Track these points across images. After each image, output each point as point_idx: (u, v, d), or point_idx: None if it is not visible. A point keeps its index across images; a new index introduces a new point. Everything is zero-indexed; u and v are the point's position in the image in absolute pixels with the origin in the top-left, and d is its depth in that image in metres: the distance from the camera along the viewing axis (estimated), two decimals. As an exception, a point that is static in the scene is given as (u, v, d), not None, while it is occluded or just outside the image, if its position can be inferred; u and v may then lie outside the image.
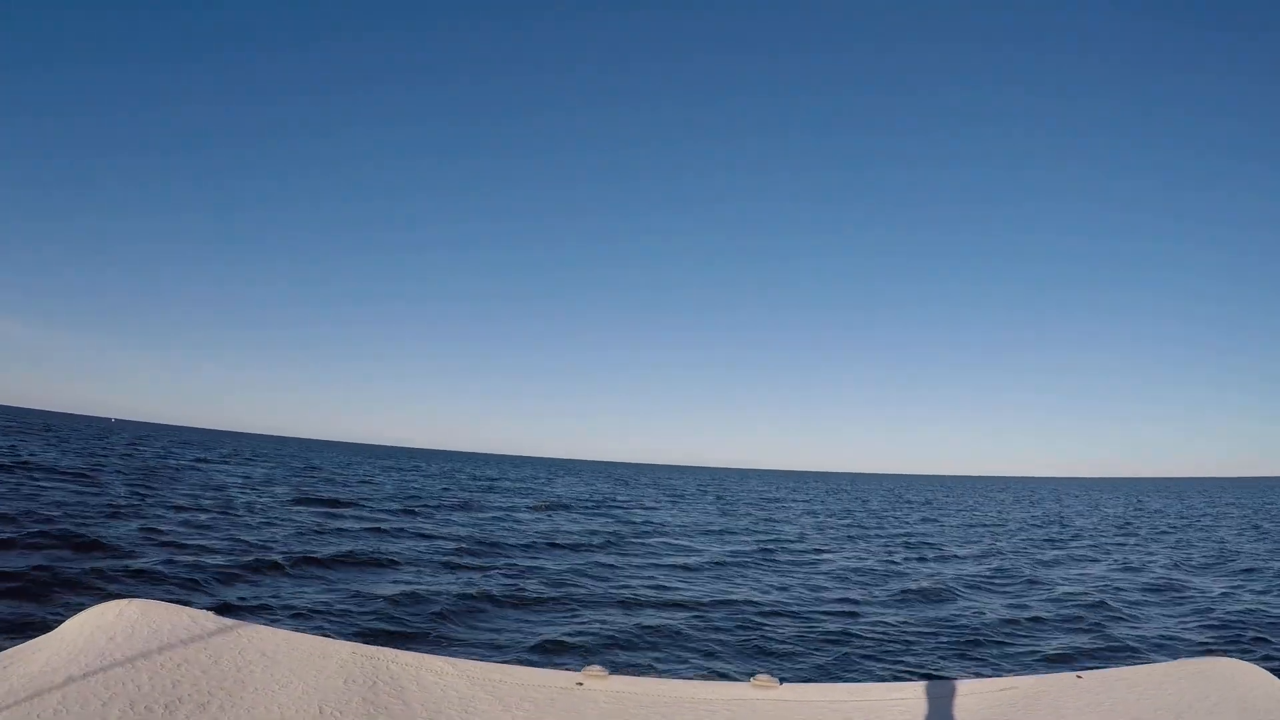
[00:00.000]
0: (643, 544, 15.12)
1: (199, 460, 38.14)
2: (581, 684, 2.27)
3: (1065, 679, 2.44)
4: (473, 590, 8.90)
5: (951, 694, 2.32)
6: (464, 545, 12.80)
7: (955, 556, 15.21)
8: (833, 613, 9.06)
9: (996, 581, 12.02)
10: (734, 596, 9.72)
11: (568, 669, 2.47)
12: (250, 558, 9.86)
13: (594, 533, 16.78)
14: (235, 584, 8.52)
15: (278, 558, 10.02)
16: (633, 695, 2.23)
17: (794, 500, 39.76)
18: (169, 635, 2.08)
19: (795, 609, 9.16)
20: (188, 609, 2.25)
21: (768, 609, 9.04)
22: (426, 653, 2.35)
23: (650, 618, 8.26)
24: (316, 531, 13.20)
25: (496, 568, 10.92)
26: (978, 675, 5.83)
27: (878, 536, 19.64)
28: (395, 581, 9.32)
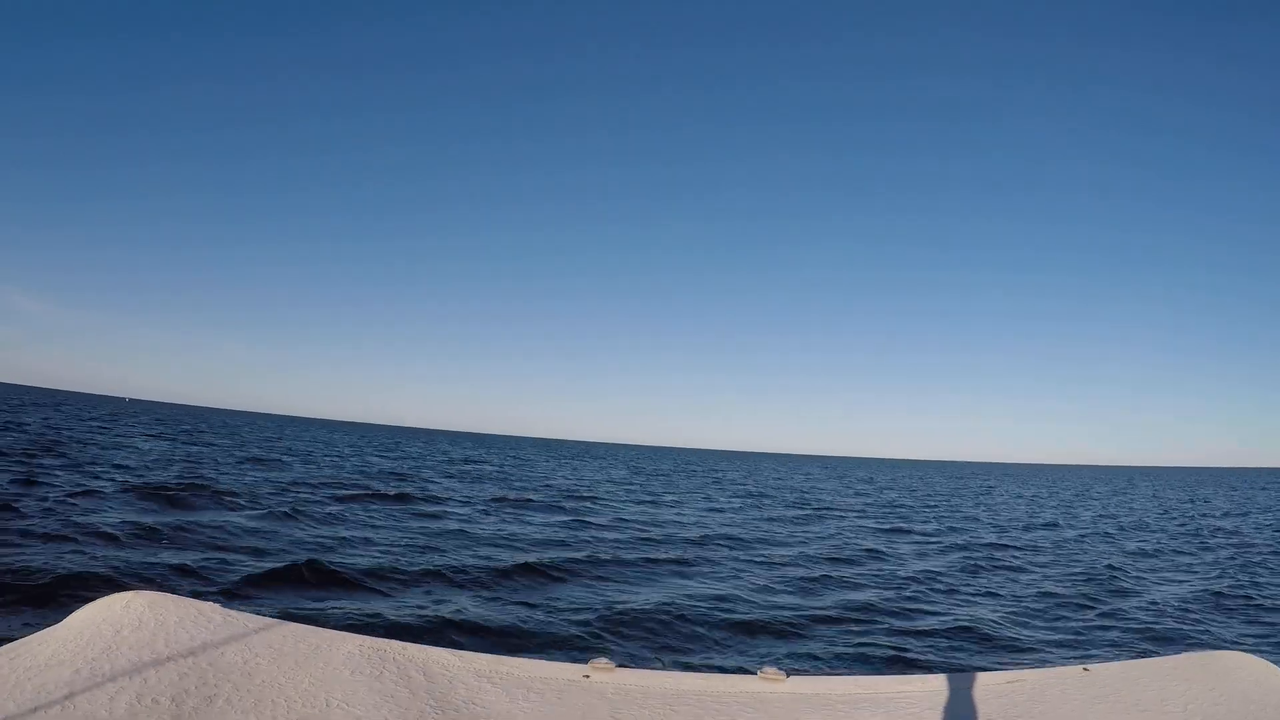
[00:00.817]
0: (619, 578, 10.04)
1: (147, 436, 33.89)
2: (588, 676, 2.20)
3: (1072, 672, 2.39)
4: None
5: (959, 686, 2.25)
6: (299, 569, 7.93)
7: (1094, 602, 10.13)
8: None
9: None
10: None
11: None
12: None
13: (549, 544, 11.83)
14: None
15: None
16: (639, 687, 2.16)
17: (824, 490, 34.23)
18: (176, 628, 2.02)
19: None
20: (195, 601, 2.18)
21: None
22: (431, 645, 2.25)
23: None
24: (77, 540, 8.43)
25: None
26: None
27: (963, 550, 14.57)
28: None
